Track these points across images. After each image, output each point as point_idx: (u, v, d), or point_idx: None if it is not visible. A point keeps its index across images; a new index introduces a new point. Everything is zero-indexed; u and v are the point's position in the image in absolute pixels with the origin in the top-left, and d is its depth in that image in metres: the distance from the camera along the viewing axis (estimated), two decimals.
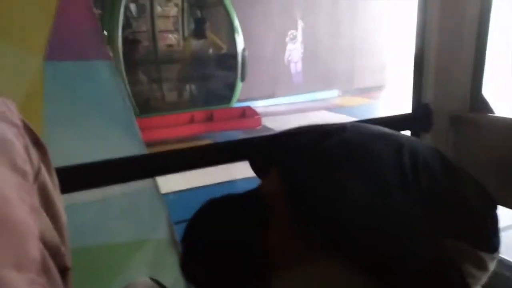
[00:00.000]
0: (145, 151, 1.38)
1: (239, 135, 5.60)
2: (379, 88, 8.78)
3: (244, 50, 6.18)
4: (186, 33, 6.62)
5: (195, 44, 6.39)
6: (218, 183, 3.33)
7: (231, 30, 6.19)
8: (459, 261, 0.75)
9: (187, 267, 0.84)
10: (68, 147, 1.16)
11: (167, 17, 6.67)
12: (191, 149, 1.20)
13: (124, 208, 1.33)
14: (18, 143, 0.43)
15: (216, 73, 6.52)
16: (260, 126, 5.94)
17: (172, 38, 6.67)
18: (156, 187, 1.38)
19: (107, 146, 1.27)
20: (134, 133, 1.36)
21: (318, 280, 0.77)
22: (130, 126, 1.37)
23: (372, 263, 0.71)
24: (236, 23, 6.16)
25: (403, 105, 1.53)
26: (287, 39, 8.33)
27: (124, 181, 1.13)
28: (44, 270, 0.39)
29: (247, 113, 6.15)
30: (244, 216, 0.83)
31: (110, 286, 1.31)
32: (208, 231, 0.83)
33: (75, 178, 1.02)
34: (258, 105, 7.10)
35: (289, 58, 8.41)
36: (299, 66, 8.46)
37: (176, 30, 6.71)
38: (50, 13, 1.21)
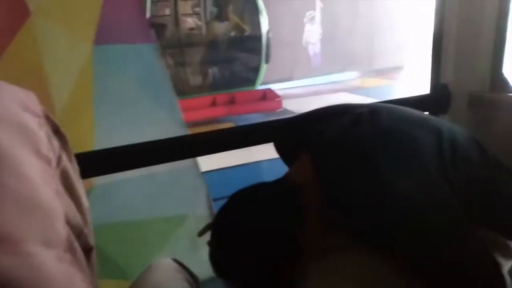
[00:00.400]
0: (186, 130, 1.45)
1: (260, 117, 5.68)
2: (398, 69, 8.65)
3: (268, 31, 6.14)
4: (208, 16, 6.63)
5: (217, 27, 6.38)
6: (253, 162, 3.41)
7: (255, 12, 6.16)
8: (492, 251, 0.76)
9: (217, 259, 0.83)
10: (116, 126, 1.25)
11: (187, 0, 6.69)
12: (225, 130, 1.27)
13: (168, 185, 1.42)
14: (41, 132, 0.45)
15: (240, 55, 6.51)
16: (281, 109, 5.99)
17: (192, 21, 6.69)
18: (196, 165, 1.46)
19: (152, 126, 1.36)
20: (177, 114, 1.43)
21: (350, 270, 0.76)
22: (173, 107, 1.45)
23: (410, 254, 0.71)
24: (260, 4, 6.11)
25: (422, 85, 1.53)
26: (305, 20, 8.24)
27: (164, 161, 1.21)
28: (70, 248, 0.41)
29: (267, 96, 6.19)
30: (275, 205, 0.81)
31: (154, 259, 1.42)
32: (239, 221, 0.81)
33: (121, 158, 1.12)
34: (276, 87, 7.13)
35: (307, 40, 8.33)
36: (318, 48, 8.38)
37: (197, 13, 6.72)
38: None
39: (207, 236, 1.44)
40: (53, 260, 0.38)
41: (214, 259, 0.83)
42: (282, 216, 0.80)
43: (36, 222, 0.38)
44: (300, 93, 7.37)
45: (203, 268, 0.91)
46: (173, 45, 6.25)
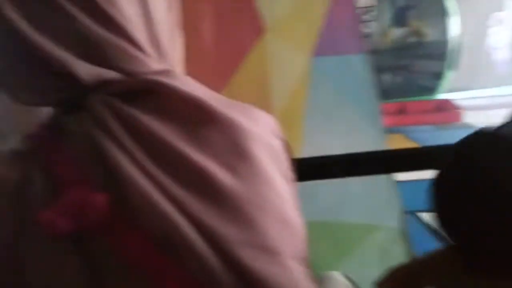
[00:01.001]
0: (385, 140, 1.46)
1: (432, 130, 5.28)
2: None
3: (458, 35, 5.70)
4: (385, 22, 6.50)
5: (393, 33, 6.20)
6: None
7: (441, 14, 5.79)
8: None
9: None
10: (323, 136, 1.34)
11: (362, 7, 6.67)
12: (424, 149, 1.26)
13: (360, 192, 1.45)
14: (284, 153, 0.49)
15: (418, 62, 6.20)
16: (459, 122, 5.47)
17: (367, 28, 6.64)
18: (391, 175, 1.46)
19: (357, 135, 1.41)
20: (380, 125, 1.47)
21: None
22: (377, 117, 1.48)
23: None
24: (449, 5, 5.70)
25: None
26: (491, 22, 7.36)
27: (361, 174, 1.26)
28: (307, 264, 0.44)
29: (443, 106, 5.71)
30: None
31: (341, 261, 1.48)
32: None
33: (325, 167, 1.22)
34: (452, 97, 6.52)
35: (492, 44, 7.42)
36: (506, 53, 7.38)
37: (370, 20, 6.65)
38: (321, 14, 1.40)
39: (394, 250, 1.39)
40: (303, 275, 0.42)
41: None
42: None
43: (289, 238, 0.42)
44: (482, 104, 6.59)
45: None
46: None
